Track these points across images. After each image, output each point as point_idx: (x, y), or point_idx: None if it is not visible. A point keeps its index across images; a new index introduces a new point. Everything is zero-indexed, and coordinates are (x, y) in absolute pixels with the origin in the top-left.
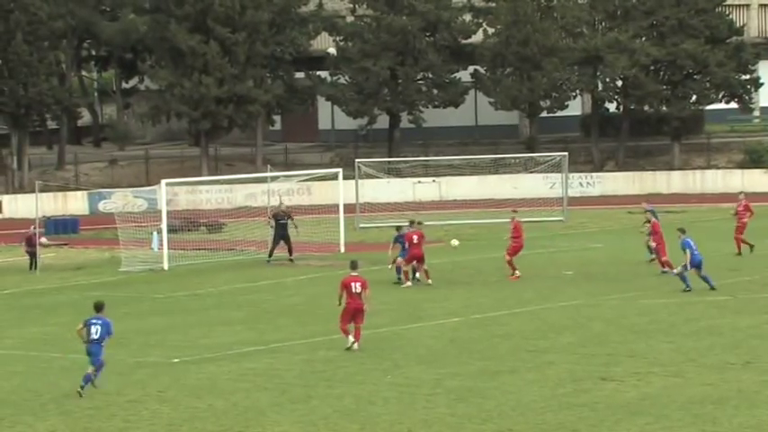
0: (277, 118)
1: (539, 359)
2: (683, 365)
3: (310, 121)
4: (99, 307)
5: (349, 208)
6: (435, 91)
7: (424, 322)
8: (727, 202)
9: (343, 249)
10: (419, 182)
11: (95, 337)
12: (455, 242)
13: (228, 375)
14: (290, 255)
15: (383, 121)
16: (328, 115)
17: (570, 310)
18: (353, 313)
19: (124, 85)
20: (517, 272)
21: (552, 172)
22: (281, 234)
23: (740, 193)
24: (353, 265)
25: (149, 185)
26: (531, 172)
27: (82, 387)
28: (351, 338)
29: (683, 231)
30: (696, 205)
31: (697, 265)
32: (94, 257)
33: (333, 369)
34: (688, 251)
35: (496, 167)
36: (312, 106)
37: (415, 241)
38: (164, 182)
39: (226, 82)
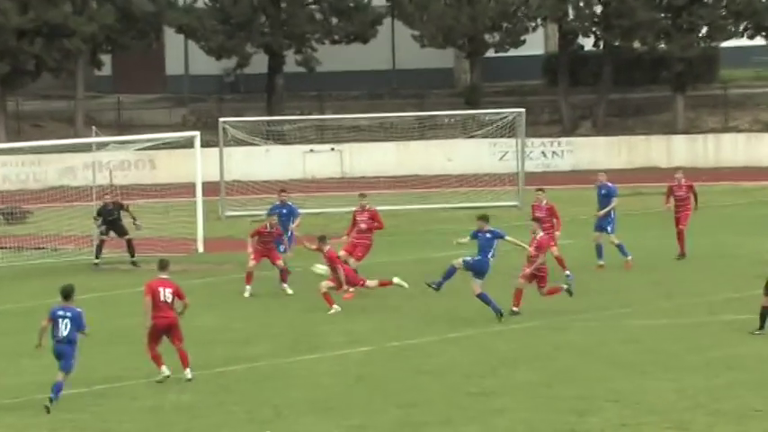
0: (106, 58)
1: (483, 405)
2: (688, 413)
3: (154, 63)
4: (67, 293)
5: (211, 188)
6: (335, 20)
7: (319, 353)
8: (752, 180)
9: (201, 248)
10: (311, 150)
11: (65, 333)
12: (320, 268)
13: (37, 429)
14: (132, 255)
15: (259, 64)
16: (180, 55)
17: (528, 336)
18: (165, 330)
19: None
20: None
21: (503, 136)
22: (115, 232)
23: (678, 169)
24: (162, 266)
25: None
26: (473, 137)
27: (51, 400)
28: (164, 368)
29: None
30: (708, 184)
31: None
32: None
33: (187, 420)
34: None
35: (423, 130)
36: (157, 42)
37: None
38: None
39: (31, 6)
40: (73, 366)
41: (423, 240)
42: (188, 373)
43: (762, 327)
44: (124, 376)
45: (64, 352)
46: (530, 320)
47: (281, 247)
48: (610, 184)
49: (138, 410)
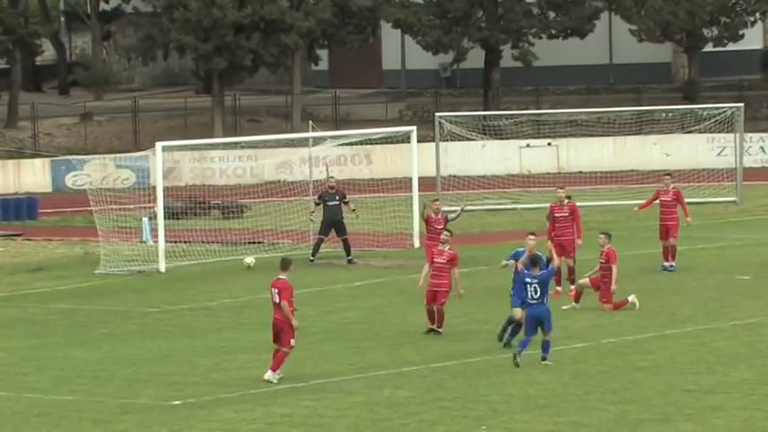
0: (323, 53)
1: (701, 403)
2: None
3: (370, 58)
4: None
5: (426, 183)
6: (552, 14)
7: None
8: None
9: (417, 243)
10: (528, 145)
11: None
12: (249, 260)
13: (253, 425)
14: (348, 253)
15: (476, 59)
16: (396, 50)
17: (747, 332)
18: (275, 330)
19: (103, 5)
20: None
21: (721, 131)
22: (332, 222)
23: (666, 174)
24: (282, 265)
25: (138, 150)
26: (690, 132)
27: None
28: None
29: None
30: None
31: None
32: (60, 253)
33: (402, 416)
34: None
35: (640, 125)
36: (373, 37)
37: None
38: (159, 145)
39: (249, 2)
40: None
41: (638, 236)
42: (270, 375)
43: None
44: (338, 371)
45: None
46: (751, 317)
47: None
48: None
49: (353, 406)
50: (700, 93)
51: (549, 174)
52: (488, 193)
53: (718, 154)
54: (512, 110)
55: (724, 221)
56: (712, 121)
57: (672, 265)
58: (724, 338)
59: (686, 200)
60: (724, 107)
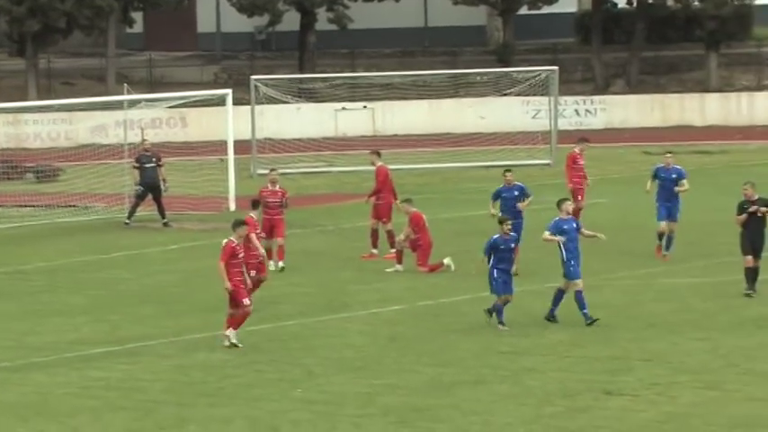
0: (138, 16)
1: (516, 364)
2: (721, 373)
3: (185, 20)
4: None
5: (242, 146)
6: None
7: (350, 312)
8: None
9: (233, 206)
10: (343, 108)
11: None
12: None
13: (67, 388)
14: (163, 216)
15: (291, 22)
16: (211, 12)
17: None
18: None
19: None
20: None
21: (536, 95)
22: (148, 184)
23: (581, 140)
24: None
25: None
26: (505, 95)
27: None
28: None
29: None
30: (741, 143)
31: None
32: None
33: (218, 379)
34: None
35: (455, 88)
36: None
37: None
38: None
39: None
40: None
41: (453, 199)
42: (231, 334)
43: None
44: (153, 335)
45: None
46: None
47: None
48: (678, 167)
49: (169, 369)
50: (514, 56)
51: (364, 137)
52: (304, 156)
53: (533, 117)
54: (327, 73)
55: (539, 184)
56: (527, 84)
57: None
58: (539, 300)
59: (500, 162)
60: (538, 70)
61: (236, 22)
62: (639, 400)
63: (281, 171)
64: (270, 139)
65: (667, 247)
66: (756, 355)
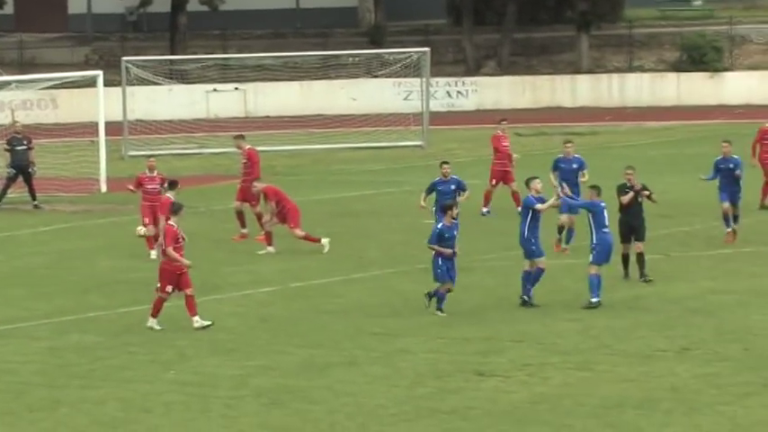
0: None
1: (388, 346)
2: (592, 354)
3: (56, 1)
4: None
5: (113, 128)
6: None
7: (222, 293)
8: (656, 120)
9: (104, 188)
10: (215, 90)
11: None
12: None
13: None
14: (34, 197)
15: (163, 3)
16: None
17: (430, 276)
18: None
19: None
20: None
21: (407, 76)
22: (19, 167)
23: (502, 121)
24: (174, 210)
25: None
26: (377, 76)
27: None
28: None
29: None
30: (612, 124)
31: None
32: None
33: (90, 361)
34: None
35: (326, 70)
36: None
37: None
38: None
39: None
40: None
41: (325, 180)
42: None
43: (627, 274)
44: (24, 317)
45: None
46: None
47: None
48: (579, 156)
49: (40, 351)
50: (386, 37)
51: (236, 118)
52: (175, 137)
53: (405, 98)
54: (199, 54)
55: (410, 166)
56: (399, 65)
57: None
58: (410, 282)
59: (371, 144)
60: (410, 52)
61: (107, 3)
62: (511, 381)
63: (151, 153)
64: (141, 120)
65: (567, 241)
66: (626, 336)
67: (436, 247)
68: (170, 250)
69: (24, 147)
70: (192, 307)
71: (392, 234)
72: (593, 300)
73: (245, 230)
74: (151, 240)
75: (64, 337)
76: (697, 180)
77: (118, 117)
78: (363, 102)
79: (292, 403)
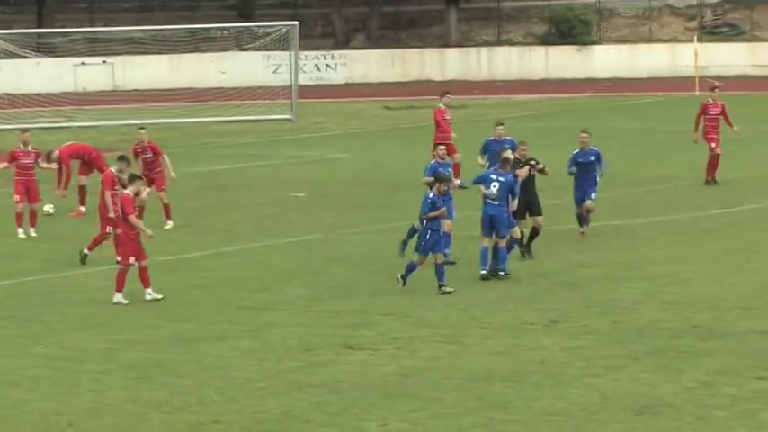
0: None
1: (257, 320)
2: (461, 327)
3: None
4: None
5: None
6: None
7: (90, 267)
8: (524, 93)
9: None
10: (83, 63)
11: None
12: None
13: None
14: None
15: None
16: None
17: (301, 250)
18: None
19: None
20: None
21: (276, 49)
22: None
23: (446, 94)
24: (129, 180)
25: None
26: (246, 49)
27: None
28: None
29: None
30: (481, 97)
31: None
32: None
33: None
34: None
35: (196, 43)
36: None
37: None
38: None
39: None
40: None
41: (194, 154)
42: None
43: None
44: None
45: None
46: (306, 234)
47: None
48: (511, 138)
49: None
50: (255, 10)
51: (104, 91)
52: (43, 111)
53: (274, 72)
54: (66, 27)
55: (279, 139)
56: (268, 38)
57: None
58: (279, 255)
59: (241, 118)
60: (279, 25)
61: None
62: (380, 354)
63: (22, 126)
64: (9, 94)
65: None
66: (495, 309)
67: (431, 213)
68: (133, 218)
69: None
70: (146, 279)
71: (262, 208)
72: (482, 272)
73: (83, 208)
74: (20, 218)
75: None
76: (566, 153)
77: None
78: (233, 75)
79: (161, 377)
